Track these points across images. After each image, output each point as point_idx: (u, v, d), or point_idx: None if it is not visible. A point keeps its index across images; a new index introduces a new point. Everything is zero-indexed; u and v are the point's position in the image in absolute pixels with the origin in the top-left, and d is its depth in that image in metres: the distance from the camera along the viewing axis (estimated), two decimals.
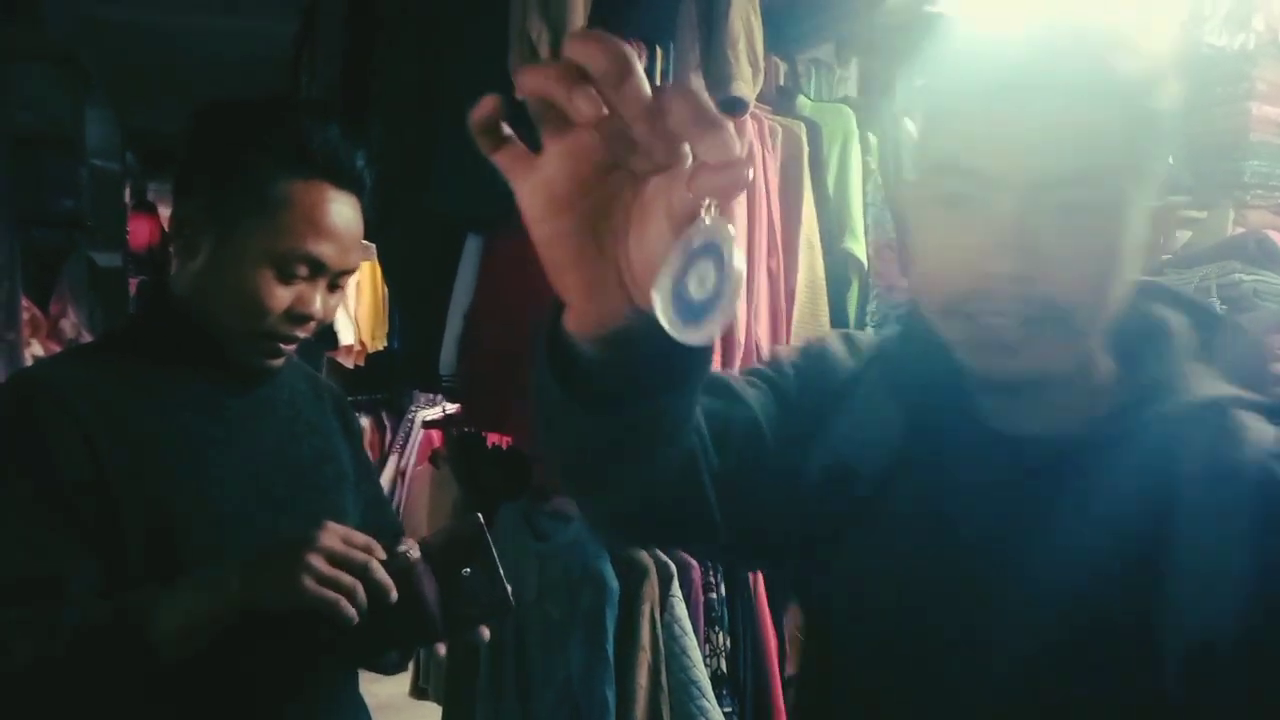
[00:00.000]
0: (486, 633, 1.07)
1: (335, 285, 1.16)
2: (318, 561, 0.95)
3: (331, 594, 0.95)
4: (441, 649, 1.05)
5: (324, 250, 1.11)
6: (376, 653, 1.05)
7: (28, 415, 1.03)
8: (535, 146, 0.53)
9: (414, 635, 1.03)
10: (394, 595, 0.97)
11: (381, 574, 0.98)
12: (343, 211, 1.13)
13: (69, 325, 3.93)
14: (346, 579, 0.96)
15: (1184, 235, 2.58)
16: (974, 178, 0.71)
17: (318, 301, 1.13)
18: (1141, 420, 0.75)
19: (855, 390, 0.88)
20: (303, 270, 1.11)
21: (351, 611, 0.95)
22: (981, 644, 0.76)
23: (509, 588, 1.03)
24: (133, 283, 5.13)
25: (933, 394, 0.82)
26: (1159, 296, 0.83)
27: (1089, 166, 0.69)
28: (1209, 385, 0.77)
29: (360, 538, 1.00)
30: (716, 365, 1.88)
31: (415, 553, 1.01)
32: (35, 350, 3.57)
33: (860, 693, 0.85)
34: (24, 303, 3.44)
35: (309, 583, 0.94)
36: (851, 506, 0.83)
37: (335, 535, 0.99)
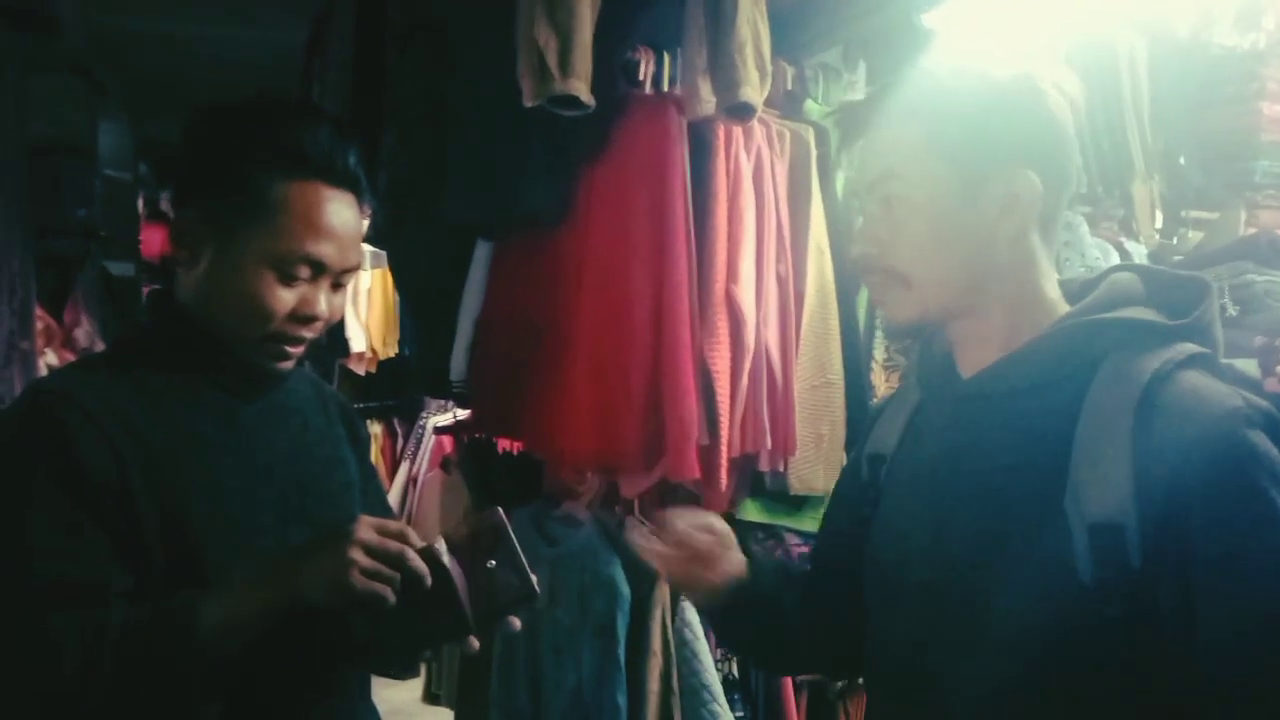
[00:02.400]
0: (518, 623, 1.07)
1: (339, 284, 1.17)
2: (359, 555, 0.96)
3: (377, 586, 0.96)
4: (475, 643, 1.05)
5: (324, 250, 1.11)
6: (411, 652, 1.05)
7: (56, 424, 1.04)
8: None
9: (447, 631, 1.04)
10: (428, 581, 0.98)
11: (417, 562, 0.98)
12: (340, 211, 1.13)
13: (83, 334, 3.95)
14: (387, 569, 0.97)
15: (1195, 236, 2.58)
16: (857, 191, 1.08)
17: (322, 302, 1.13)
18: (1059, 334, 0.93)
19: (887, 403, 1.16)
20: (304, 271, 1.11)
21: (392, 599, 0.96)
22: (929, 540, 0.96)
23: (534, 576, 1.04)
24: (146, 291, 5.15)
25: (934, 361, 1.05)
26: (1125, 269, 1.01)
27: (890, 167, 0.96)
28: (1133, 312, 0.92)
29: (394, 525, 1.01)
30: (727, 370, 1.88)
31: (441, 544, 1.02)
32: (50, 359, 3.59)
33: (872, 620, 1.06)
34: (38, 312, 3.46)
35: (355, 576, 0.95)
36: (884, 481, 1.08)
37: (370, 527, 0.99)
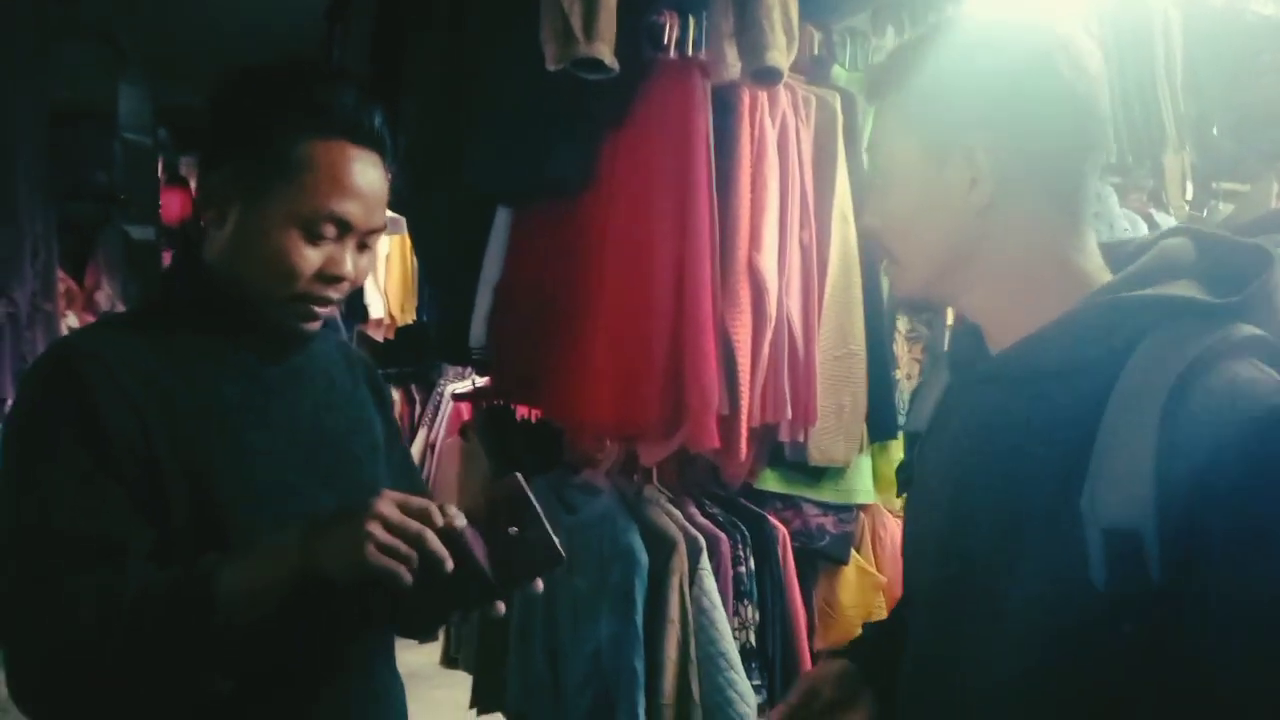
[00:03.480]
0: (540, 584, 1.07)
1: (364, 245, 1.16)
2: (377, 530, 0.96)
3: (392, 562, 0.95)
4: (501, 607, 1.05)
5: (349, 209, 1.10)
6: (434, 619, 1.05)
7: (79, 383, 1.04)
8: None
9: (470, 598, 1.03)
10: (449, 564, 0.98)
11: (436, 544, 0.97)
12: (365, 170, 1.12)
13: (103, 297, 3.97)
14: (404, 547, 0.96)
15: (1226, 208, 2.54)
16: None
17: (348, 262, 1.13)
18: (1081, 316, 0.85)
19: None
20: (330, 230, 1.11)
21: (409, 578, 0.96)
22: (947, 531, 0.92)
23: (556, 539, 1.03)
24: (166, 255, 5.17)
25: (963, 339, 1.00)
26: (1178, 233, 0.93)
27: (874, 140, 0.97)
28: (1177, 288, 0.83)
29: (417, 502, 1.00)
30: (748, 339, 1.87)
31: (461, 520, 1.01)
32: (71, 321, 3.61)
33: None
34: (59, 274, 3.48)
35: (371, 551, 0.95)
36: (917, 459, 1.05)
37: (392, 502, 0.99)
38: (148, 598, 0.97)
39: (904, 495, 1.13)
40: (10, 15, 2.27)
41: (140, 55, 4.29)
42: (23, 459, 1.05)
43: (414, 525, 0.97)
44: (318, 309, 1.15)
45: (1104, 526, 0.75)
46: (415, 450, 3.48)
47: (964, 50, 0.90)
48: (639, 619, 1.90)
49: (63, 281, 3.61)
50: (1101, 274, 0.89)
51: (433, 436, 3.43)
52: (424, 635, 1.08)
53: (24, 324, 2.21)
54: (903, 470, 1.10)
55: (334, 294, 1.15)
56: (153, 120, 4.90)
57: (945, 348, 1.11)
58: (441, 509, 1.02)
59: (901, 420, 2.07)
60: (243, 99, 1.14)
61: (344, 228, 1.11)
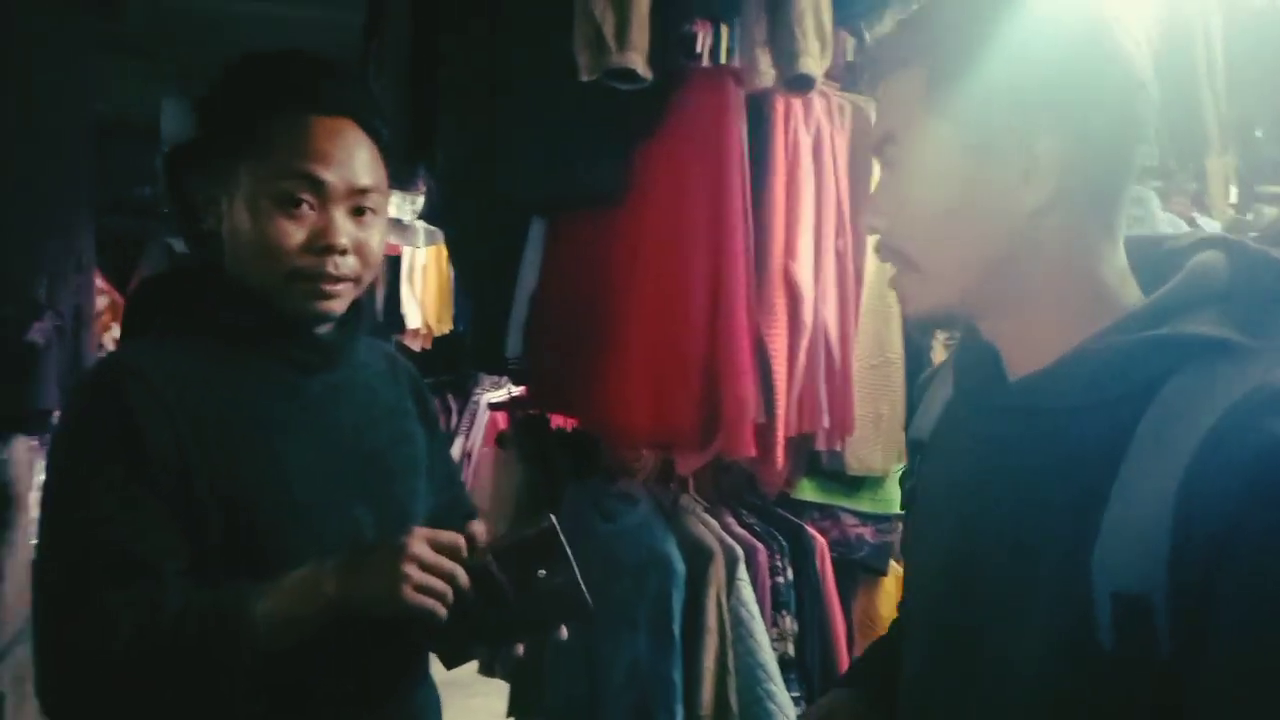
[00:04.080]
0: (565, 631, 1.07)
1: (361, 211, 1.13)
2: (413, 570, 0.96)
3: (429, 601, 0.96)
4: (520, 649, 1.05)
5: (316, 169, 1.09)
6: (461, 654, 1.05)
7: (121, 401, 1.04)
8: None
9: (496, 640, 1.04)
10: (478, 599, 0.98)
11: (465, 579, 0.98)
12: (331, 134, 1.11)
13: None
14: (439, 585, 0.97)
15: (1272, 212, 2.49)
16: None
17: (338, 230, 1.10)
18: (1104, 349, 0.76)
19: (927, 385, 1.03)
20: (306, 197, 1.09)
21: (444, 614, 0.96)
22: (950, 567, 0.84)
23: (586, 591, 1.01)
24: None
25: (973, 354, 0.90)
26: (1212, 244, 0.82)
27: (889, 128, 0.82)
28: (1203, 328, 0.73)
29: (446, 536, 1.01)
30: (784, 348, 1.86)
31: (490, 557, 1.01)
32: (114, 333, 3.68)
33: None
34: (105, 287, 3.54)
35: (408, 591, 0.96)
36: (918, 470, 0.98)
37: (424, 541, 0.99)
38: (183, 622, 0.98)
39: (905, 506, 1.06)
40: (52, 31, 2.31)
41: (182, 70, 4.37)
42: (65, 475, 1.06)
43: (447, 564, 0.98)
44: (324, 286, 1.11)
45: (1113, 589, 0.68)
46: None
47: (1009, 14, 0.77)
48: (676, 629, 1.90)
49: (108, 294, 3.69)
50: (1127, 291, 0.80)
51: (469, 445, 3.45)
52: (448, 665, 1.08)
53: (69, 335, 2.25)
54: (906, 479, 1.04)
55: (332, 267, 1.11)
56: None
57: (953, 359, 0.97)
58: (470, 543, 1.02)
59: None
60: (210, 96, 1.16)
61: (317, 188, 1.09)
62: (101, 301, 3.43)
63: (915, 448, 1.00)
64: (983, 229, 0.79)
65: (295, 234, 1.09)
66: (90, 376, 1.13)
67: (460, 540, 1.02)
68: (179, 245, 4.63)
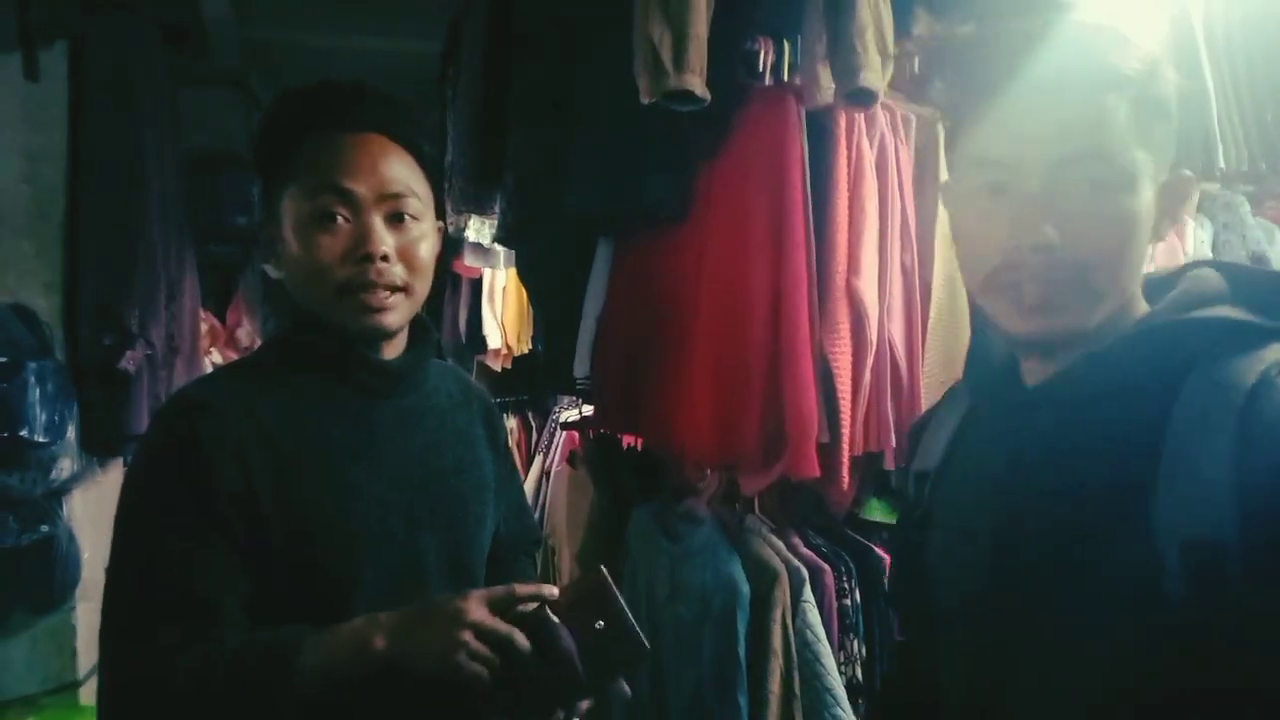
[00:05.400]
0: (628, 689, 1.06)
1: (398, 217, 1.14)
2: (469, 638, 0.97)
3: (480, 669, 0.97)
4: (584, 706, 1.04)
5: (344, 180, 1.10)
6: (524, 715, 1.06)
7: (192, 435, 1.06)
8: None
9: (560, 696, 1.04)
10: (536, 658, 0.99)
11: (523, 641, 0.99)
12: (359, 146, 1.12)
13: (244, 334, 4.19)
14: (491, 655, 0.97)
15: None
16: (1003, 166, 0.84)
17: (377, 236, 1.10)
18: (1138, 334, 0.84)
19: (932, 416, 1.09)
20: (338, 209, 1.10)
21: (488, 679, 0.97)
22: (991, 563, 0.88)
23: (640, 632, 1.03)
24: None
25: (989, 368, 0.96)
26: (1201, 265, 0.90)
27: (1102, 145, 0.81)
28: (1223, 311, 0.82)
29: (501, 591, 1.02)
30: (848, 366, 1.83)
31: (548, 614, 1.01)
32: (215, 358, 3.84)
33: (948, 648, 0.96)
34: (204, 314, 3.69)
35: (462, 658, 0.96)
36: (928, 496, 1.01)
37: (482, 606, 0.99)
38: (236, 665, 0.99)
39: (906, 533, 1.07)
40: (140, 66, 2.43)
41: (271, 101, 4.54)
42: (133, 510, 1.09)
43: (504, 629, 0.99)
44: (372, 299, 1.12)
45: (1182, 538, 0.73)
46: (531, 477, 3.53)
47: (1169, 73, 0.85)
48: (741, 650, 1.88)
49: (206, 320, 3.84)
50: (1142, 301, 0.88)
51: (548, 464, 3.48)
52: None
53: (160, 364, 2.35)
54: (915, 508, 1.03)
55: (376, 275, 1.11)
56: None
57: (965, 375, 1.03)
58: (528, 601, 1.03)
59: None
60: (255, 137, 1.20)
61: (347, 199, 1.10)
62: (201, 328, 3.59)
63: (922, 479, 1.02)
64: (1144, 245, 0.85)
65: (335, 247, 1.10)
66: (161, 412, 1.15)
67: (515, 589, 1.02)
68: (273, 272, 4.81)
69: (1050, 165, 0.82)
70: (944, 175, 1.97)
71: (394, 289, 1.13)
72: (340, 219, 1.11)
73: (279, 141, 1.15)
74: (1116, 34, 0.84)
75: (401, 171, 1.15)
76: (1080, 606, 0.80)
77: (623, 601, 1.03)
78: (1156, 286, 0.89)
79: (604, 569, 1.04)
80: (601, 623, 1.02)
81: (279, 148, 1.15)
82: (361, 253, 1.10)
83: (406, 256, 1.14)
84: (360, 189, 1.11)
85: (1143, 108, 0.82)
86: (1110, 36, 0.84)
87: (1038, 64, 0.83)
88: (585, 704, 1.05)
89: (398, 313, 1.15)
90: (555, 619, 1.01)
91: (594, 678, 1.02)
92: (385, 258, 1.11)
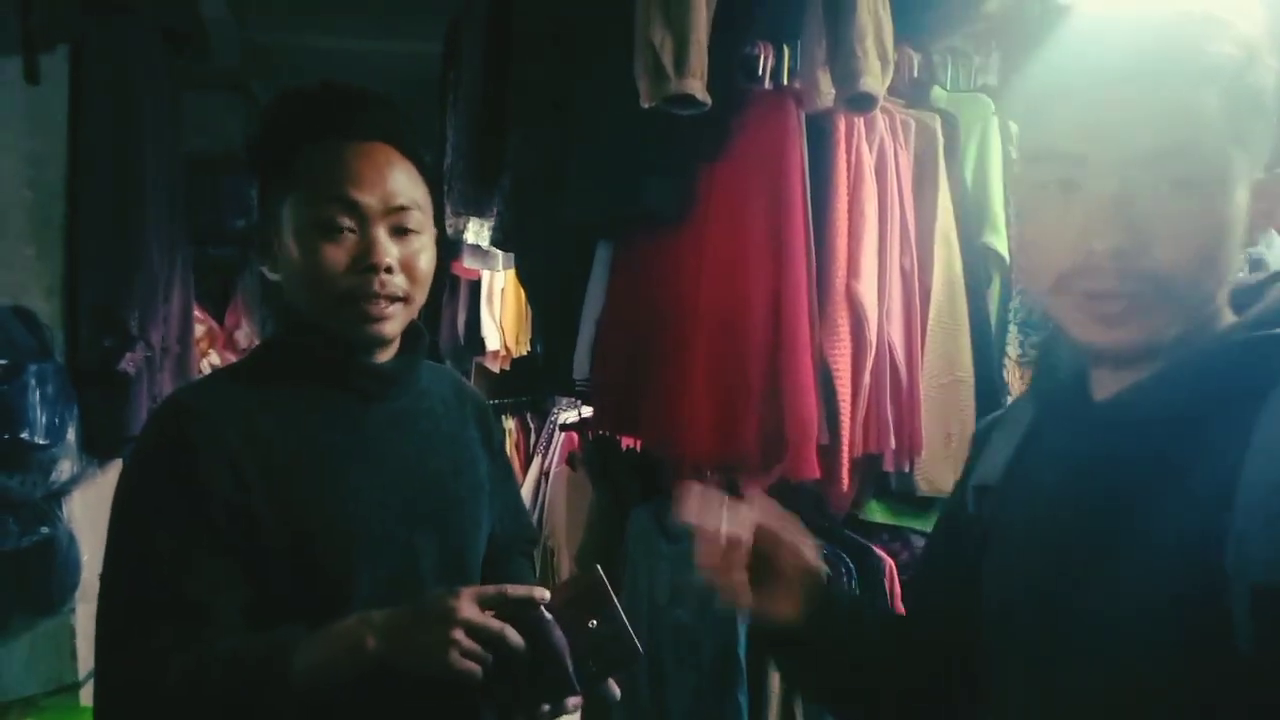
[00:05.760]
0: (618, 690, 1.07)
1: (402, 230, 1.14)
2: (462, 637, 0.97)
3: (472, 666, 0.97)
4: (575, 703, 1.05)
5: (351, 192, 1.10)
6: (516, 711, 1.06)
7: (183, 440, 1.07)
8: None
9: (551, 693, 1.04)
10: (528, 654, 0.99)
11: (516, 638, 0.99)
12: (364, 156, 1.13)
13: (242, 336, 4.20)
14: (482, 651, 0.98)
15: None
16: (1076, 162, 0.77)
17: (382, 247, 1.11)
18: (1215, 360, 0.76)
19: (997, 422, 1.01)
20: (345, 221, 1.11)
21: (480, 675, 0.97)
22: (1050, 590, 0.81)
23: (634, 635, 1.03)
24: None
25: (1056, 380, 0.89)
26: None
27: (1188, 141, 0.73)
28: None
29: (491, 591, 1.02)
30: (848, 368, 1.84)
31: (543, 613, 1.02)
32: (213, 359, 3.84)
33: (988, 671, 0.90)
34: (201, 315, 3.70)
35: (454, 656, 0.97)
36: (990, 514, 0.94)
37: (473, 603, 1.00)
38: (228, 668, 1.00)
39: (955, 544, 0.99)
40: (140, 69, 2.43)
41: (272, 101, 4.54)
42: (125, 514, 1.09)
43: (495, 626, 0.99)
44: (373, 308, 1.13)
45: (1253, 583, 0.66)
46: (530, 478, 3.54)
47: (1249, 47, 0.75)
48: (742, 650, 1.89)
49: (204, 322, 3.85)
50: (1228, 313, 0.81)
51: (546, 465, 3.49)
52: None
53: (158, 366, 2.35)
54: (973, 524, 0.96)
55: (379, 287, 1.12)
56: None
57: (1032, 385, 0.97)
58: (522, 600, 1.03)
59: None
60: (251, 138, 1.20)
61: (354, 211, 1.11)
62: (199, 330, 3.59)
63: (981, 494, 0.96)
64: (1234, 255, 0.77)
65: (340, 257, 1.11)
66: (153, 416, 1.16)
67: (505, 589, 1.02)
68: (271, 274, 4.81)
69: (1129, 161, 0.74)
70: (943, 180, 1.98)
71: (395, 299, 1.14)
72: (345, 229, 1.11)
73: (281, 145, 1.15)
74: (1210, 16, 0.75)
75: (406, 183, 1.15)
76: (1142, 660, 0.74)
77: (617, 602, 1.03)
78: (1240, 297, 0.81)
79: (600, 569, 1.05)
80: (595, 622, 1.02)
81: (281, 151, 1.15)
82: (366, 263, 1.11)
83: (408, 268, 1.15)
84: (368, 200, 1.11)
85: (1237, 99, 0.74)
86: (1202, 19, 0.75)
87: (1119, 47, 0.75)
88: (574, 701, 1.05)
89: (396, 321, 1.17)
90: (548, 617, 1.02)
91: (584, 677, 1.03)
92: (389, 269, 1.12)
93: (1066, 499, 0.83)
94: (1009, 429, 0.97)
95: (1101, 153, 0.75)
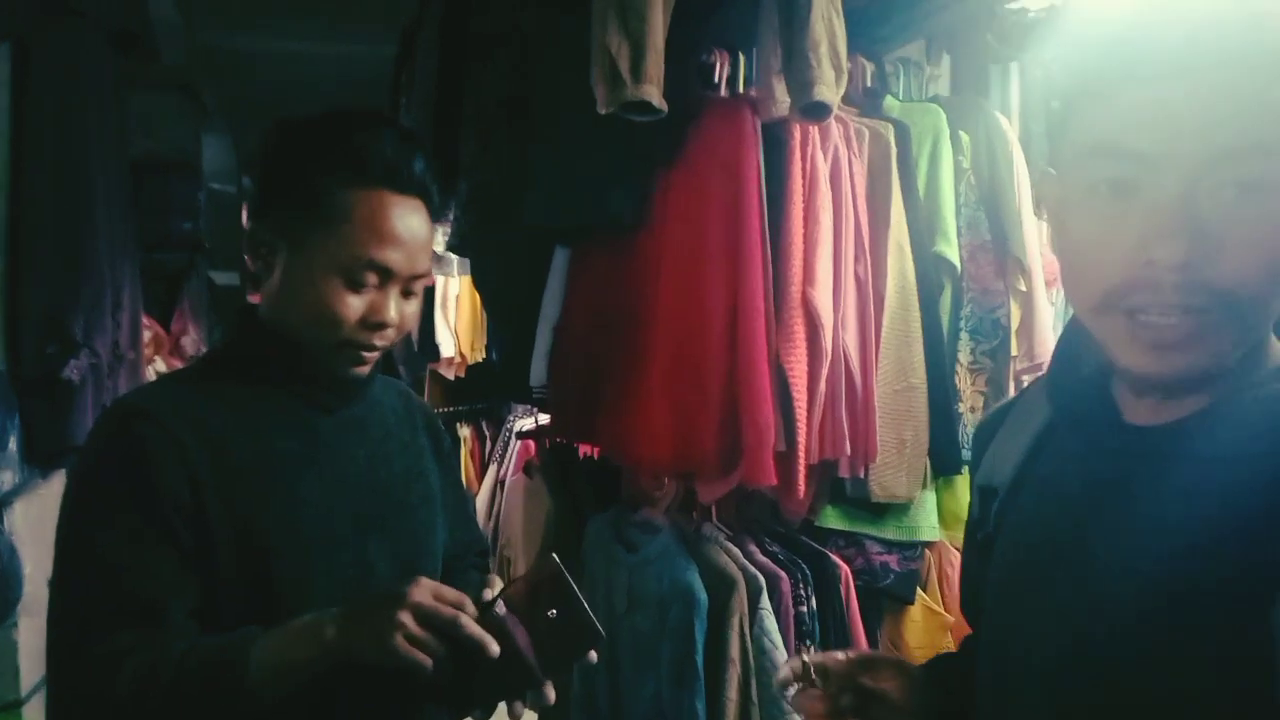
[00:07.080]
0: (552, 695, 1.06)
1: (409, 292, 1.17)
2: (408, 620, 0.96)
3: (419, 654, 0.96)
4: (550, 694, 1.04)
5: (389, 257, 1.12)
6: (480, 705, 1.05)
7: (135, 443, 1.06)
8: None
9: (515, 684, 1.03)
10: (494, 649, 0.98)
11: (473, 628, 0.98)
12: (406, 217, 1.13)
13: (189, 342, 4.12)
14: (433, 640, 0.97)
15: None
16: (1136, 159, 0.68)
17: (392, 309, 1.14)
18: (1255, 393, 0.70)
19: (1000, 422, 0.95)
20: (371, 279, 1.12)
21: (430, 667, 0.96)
22: (1067, 629, 0.75)
23: (595, 618, 1.03)
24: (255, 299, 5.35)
25: (1078, 380, 0.81)
26: None
27: (1263, 140, 0.65)
28: None
29: (451, 593, 1.01)
30: (804, 375, 1.85)
31: (501, 607, 1.01)
32: (159, 366, 3.76)
33: (985, 675, 0.86)
34: (147, 321, 3.62)
35: (400, 641, 0.96)
36: (994, 517, 0.89)
37: (427, 591, 0.99)
38: (184, 669, 0.99)
39: (972, 551, 0.96)
40: (86, 69, 2.37)
41: (221, 105, 4.47)
42: (76, 517, 1.08)
43: (448, 612, 0.98)
44: (364, 354, 1.17)
45: None
46: (485, 486, 3.52)
47: None
48: (699, 659, 1.89)
49: (150, 328, 3.77)
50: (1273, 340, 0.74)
51: (502, 473, 3.46)
52: (458, 716, 1.08)
53: (105, 373, 2.29)
54: (979, 527, 0.91)
55: (378, 341, 1.16)
56: (237, 169, 5.10)
57: (1048, 390, 0.88)
58: (481, 596, 1.03)
59: (965, 455, 2.02)
60: (287, 149, 1.17)
61: (385, 275, 1.13)
62: (144, 335, 3.51)
63: (987, 496, 0.90)
64: None
65: (356, 308, 1.13)
66: (102, 422, 1.15)
67: (464, 596, 1.01)
68: (220, 279, 4.73)
69: (1197, 163, 0.66)
70: (896, 189, 2.00)
71: (383, 348, 1.19)
72: (370, 285, 1.13)
73: (315, 178, 1.12)
74: None
75: (428, 247, 1.18)
76: (1180, 696, 0.68)
77: (575, 588, 1.03)
78: None
79: (555, 556, 1.05)
80: (554, 611, 1.02)
81: (314, 184, 1.12)
82: (375, 320, 1.14)
83: (403, 323, 1.18)
84: (399, 267, 1.13)
85: None
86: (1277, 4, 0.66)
87: (1189, 34, 0.66)
88: (549, 692, 1.05)
89: (373, 362, 1.21)
90: (503, 611, 1.01)
91: (547, 667, 1.02)
92: (393, 325, 1.16)
93: (1093, 530, 0.76)
94: (1017, 429, 0.90)
95: (1171, 150, 0.66)
